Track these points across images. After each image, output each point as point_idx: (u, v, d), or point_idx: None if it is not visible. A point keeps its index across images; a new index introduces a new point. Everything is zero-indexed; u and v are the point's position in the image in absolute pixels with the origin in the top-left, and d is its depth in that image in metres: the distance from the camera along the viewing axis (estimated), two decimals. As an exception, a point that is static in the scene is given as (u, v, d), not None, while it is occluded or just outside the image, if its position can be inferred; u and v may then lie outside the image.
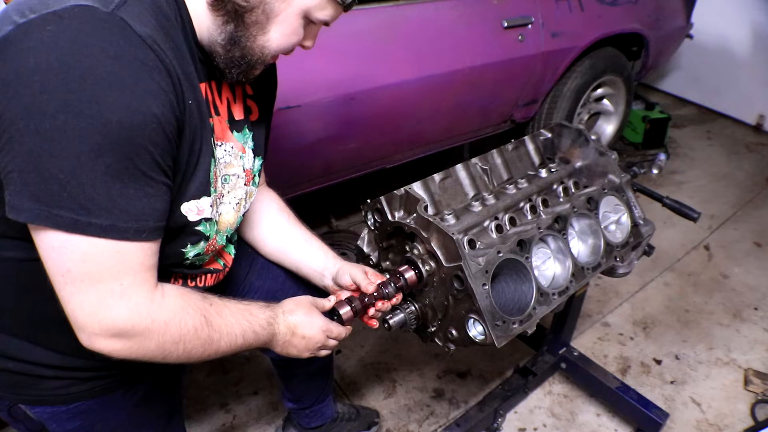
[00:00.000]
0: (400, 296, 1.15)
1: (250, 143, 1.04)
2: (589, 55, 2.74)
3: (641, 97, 3.77)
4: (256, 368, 2.04)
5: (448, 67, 2.18)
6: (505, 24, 2.30)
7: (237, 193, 1.01)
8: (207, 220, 0.90)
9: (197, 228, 0.89)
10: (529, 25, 2.39)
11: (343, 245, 2.57)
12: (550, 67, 2.56)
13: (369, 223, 1.25)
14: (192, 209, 0.86)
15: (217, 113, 0.94)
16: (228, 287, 1.22)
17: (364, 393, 1.99)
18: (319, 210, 2.80)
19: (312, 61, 1.88)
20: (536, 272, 1.15)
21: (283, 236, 1.24)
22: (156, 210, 0.76)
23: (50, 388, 0.93)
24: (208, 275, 1.05)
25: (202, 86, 0.88)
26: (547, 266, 1.23)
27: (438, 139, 2.51)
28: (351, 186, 2.43)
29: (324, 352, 1.07)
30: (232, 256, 1.12)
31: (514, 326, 1.08)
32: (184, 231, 0.88)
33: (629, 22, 2.83)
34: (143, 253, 0.76)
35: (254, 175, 1.07)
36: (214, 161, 0.89)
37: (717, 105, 4.12)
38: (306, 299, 1.05)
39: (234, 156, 0.98)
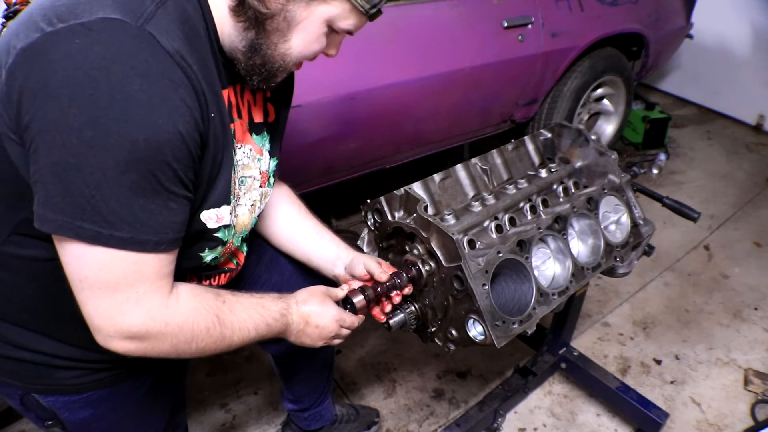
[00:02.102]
0: (410, 287, 1.15)
1: (267, 145, 1.05)
2: (589, 55, 2.74)
3: (641, 97, 3.77)
4: (256, 368, 2.04)
5: (448, 67, 2.18)
6: (505, 24, 2.30)
7: (252, 195, 1.02)
8: (225, 226, 0.92)
9: (216, 234, 0.91)
10: (529, 25, 2.39)
11: (343, 245, 2.57)
12: (550, 67, 2.56)
13: (369, 223, 1.25)
14: (211, 217, 0.87)
15: (239, 116, 0.95)
16: (236, 280, 1.22)
17: (364, 393, 1.99)
18: (319, 210, 2.79)
19: (312, 61, 1.88)
20: (536, 272, 1.15)
21: (294, 227, 1.25)
22: (175, 223, 0.77)
23: (63, 378, 0.94)
24: (222, 275, 1.06)
25: (225, 92, 0.88)
26: (547, 266, 1.23)
27: (438, 139, 2.51)
28: (351, 186, 2.43)
29: (337, 341, 1.08)
30: (245, 254, 1.14)
31: (514, 326, 1.08)
32: (203, 237, 0.90)
33: (629, 22, 2.83)
34: (160, 264, 0.78)
35: (269, 177, 1.08)
36: (234, 168, 0.90)
37: (717, 105, 4.11)
38: (319, 289, 1.06)
39: (252, 158, 0.99)
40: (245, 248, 1.13)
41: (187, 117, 0.72)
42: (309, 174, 2.17)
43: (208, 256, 0.94)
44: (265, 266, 1.30)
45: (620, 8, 2.76)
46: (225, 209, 0.89)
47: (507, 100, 2.57)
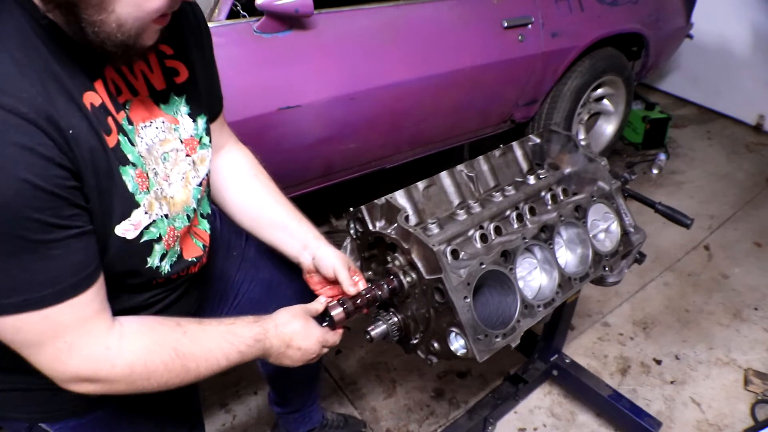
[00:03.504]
0: (367, 310, 1.11)
1: (184, 108, 0.95)
2: (589, 55, 2.74)
3: (641, 97, 3.77)
4: (255, 368, 2.04)
5: (448, 67, 2.18)
6: (505, 24, 2.30)
7: (180, 168, 0.93)
8: (150, 225, 0.85)
9: (143, 240, 0.84)
10: (529, 25, 2.39)
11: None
12: (550, 67, 2.56)
13: (351, 232, 1.22)
14: (128, 229, 0.81)
15: (135, 93, 0.85)
16: (219, 286, 1.21)
17: (364, 393, 1.99)
18: (319, 210, 2.79)
19: (312, 61, 1.88)
20: (521, 283, 1.12)
21: (259, 206, 1.16)
22: (71, 266, 0.71)
23: (69, 399, 0.90)
24: (191, 267, 1.00)
25: (99, 83, 0.78)
26: (533, 277, 1.20)
27: (438, 139, 2.51)
28: (351, 186, 2.43)
29: (315, 360, 1.04)
30: (208, 232, 1.05)
31: (497, 340, 1.05)
32: (131, 251, 0.83)
33: (629, 22, 2.83)
34: (74, 309, 0.72)
35: (199, 140, 0.98)
36: (132, 164, 0.81)
37: (717, 105, 4.11)
38: (300, 309, 1.02)
39: (167, 130, 0.91)
40: (207, 226, 1.04)
41: (29, 160, 0.64)
42: (309, 174, 2.17)
43: (154, 259, 0.87)
44: (245, 273, 1.25)
45: (620, 8, 2.76)
46: (138, 213, 0.81)
47: (507, 100, 2.57)
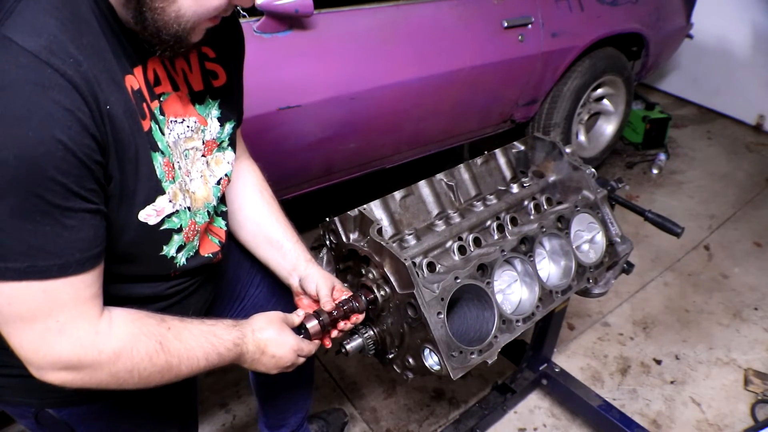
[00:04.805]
0: (357, 316, 1.09)
1: (215, 112, 0.97)
2: (589, 55, 2.74)
3: (641, 97, 3.76)
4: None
5: (448, 67, 2.18)
6: (505, 24, 2.30)
7: (197, 167, 0.95)
8: (173, 214, 0.85)
9: (163, 228, 0.85)
10: (529, 25, 2.39)
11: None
12: (550, 67, 2.56)
13: (327, 243, 1.20)
14: (150, 214, 0.81)
15: (175, 89, 0.88)
16: (229, 286, 1.21)
17: (364, 393, 1.99)
18: (319, 210, 2.79)
19: (312, 61, 1.88)
20: (500, 297, 1.10)
21: (258, 226, 1.17)
22: (81, 241, 0.70)
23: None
24: (207, 262, 1.01)
25: (139, 70, 0.80)
26: (513, 290, 1.17)
27: (438, 139, 2.51)
28: (351, 186, 2.43)
29: (291, 369, 1.03)
30: (225, 229, 1.07)
31: (473, 356, 1.02)
32: (148, 237, 0.84)
33: (629, 22, 2.83)
34: (74, 288, 0.72)
35: (220, 143, 1.00)
36: (162, 152, 0.82)
37: (717, 105, 4.11)
38: (277, 315, 1.01)
39: (196, 130, 0.93)
40: (222, 223, 1.06)
41: (67, 121, 0.64)
42: (309, 174, 2.17)
43: (170, 249, 0.88)
44: (250, 278, 1.26)
45: (620, 8, 2.76)
46: (162, 200, 0.82)
47: (507, 100, 2.57)
